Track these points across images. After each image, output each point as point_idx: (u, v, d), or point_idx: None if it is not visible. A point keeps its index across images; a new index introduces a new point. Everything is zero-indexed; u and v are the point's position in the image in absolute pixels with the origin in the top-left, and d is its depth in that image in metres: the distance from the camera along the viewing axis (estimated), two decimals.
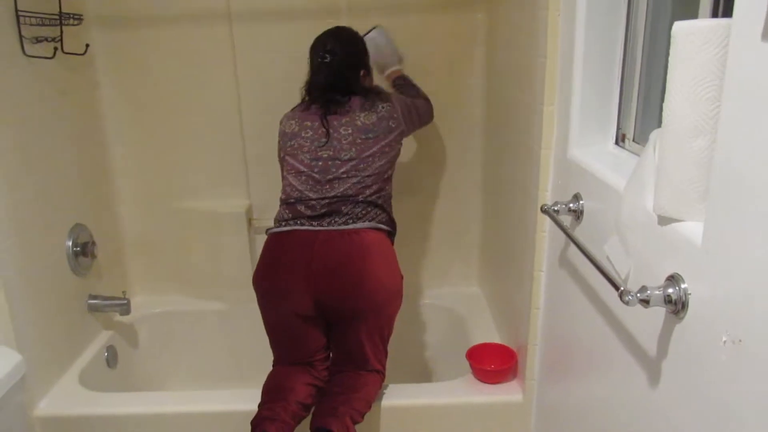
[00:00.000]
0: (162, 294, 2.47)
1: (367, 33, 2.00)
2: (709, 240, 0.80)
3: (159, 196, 2.35)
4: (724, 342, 0.77)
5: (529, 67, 1.59)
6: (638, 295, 0.89)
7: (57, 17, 1.86)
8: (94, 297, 2.10)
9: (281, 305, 1.70)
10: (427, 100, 2.03)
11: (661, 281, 0.91)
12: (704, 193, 0.84)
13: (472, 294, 2.48)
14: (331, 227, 1.69)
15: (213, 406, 1.82)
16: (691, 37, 0.79)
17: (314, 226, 1.69)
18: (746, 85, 0.69)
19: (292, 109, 1.87)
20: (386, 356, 1.78)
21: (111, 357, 2.13)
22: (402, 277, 1.76)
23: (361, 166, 1.73)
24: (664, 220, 0.92)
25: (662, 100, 0.86)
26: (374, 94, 1.82)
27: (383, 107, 1.78)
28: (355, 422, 1.63)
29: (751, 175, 0.69)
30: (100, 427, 1.81)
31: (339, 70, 1.80)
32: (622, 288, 0.92)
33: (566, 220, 1.37)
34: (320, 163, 1.73)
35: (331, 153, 1.73)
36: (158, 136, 2.29)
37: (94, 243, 2.07)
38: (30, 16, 1.75)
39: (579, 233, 1.33)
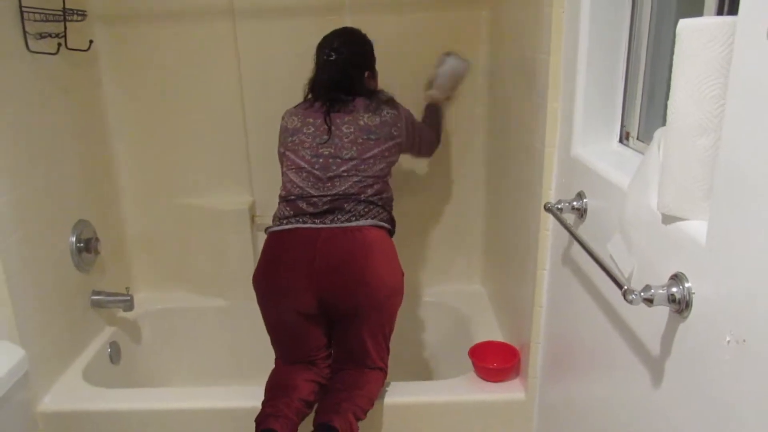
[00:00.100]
0: (165, 290, 2.48)
1: (456, 56, 2.03)
2: (714, 239, 0.80)
3: (162, 193, 2.36)
4: (728, 342, 0.76)
5: (532, 64, 1.58)
6: (642, 294, 0.88)
7: (61, 13, 1.86)
8: (98, 293, 2.10)
9: (283, 304, 1.70)
10: (437, 140, 2.05)
11: (665, 280, 0.91)
12: (709, 191, 0.83)
13: (475, 292, 2.48)
14: (334, 224, 1.68)
15: (215, 402, 1.83)
16: (697, 34, 0.78)
17: (317, 223, 1.69)
18: (751, 83, 0.69)
19: (295, 106, 1.86)
20: (388, 354, 1.78)
21: (114, 353, 2.13)
22: (403, 274, 1.76)
23: (362, 166, 1.73)
24: (668, 219, 0.91)
25: (666, 98, 0.86)
26: (380, 98, 1.82)
27: (388, 113, 1.78)
28: (358, 419, 1.63)
29: (756, 174, 0.69)
30: (103, 423, 1.81)
31: (344, 68, 1.80)
32: (625, 287, 0.91)
33: (569, 218, 1.37)
34: (321, 160, 1.73)
35: (332, 150, 1.73)
36: (161, 133, 2.29)
37: (97, 239, 2.08)
38: (34, 12, 1.75)
39: (582, 231, 1.32)
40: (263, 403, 1.66)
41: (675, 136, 0.85)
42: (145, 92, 2.24)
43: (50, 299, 1.86)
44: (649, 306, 0.89)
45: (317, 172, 1.73)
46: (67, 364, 1.95)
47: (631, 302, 0.89)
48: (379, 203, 1.75)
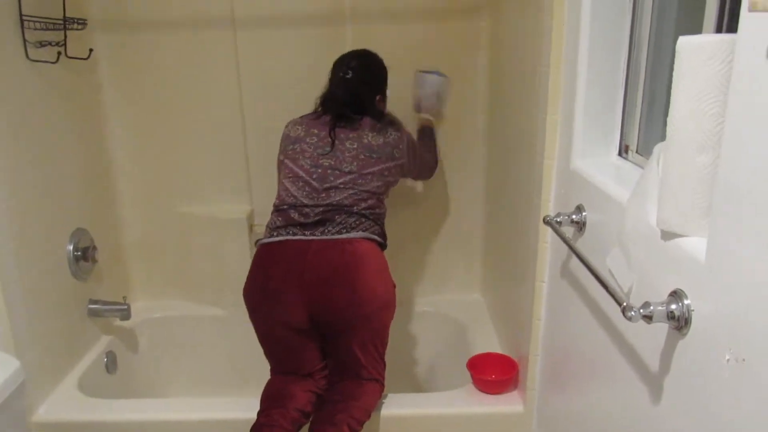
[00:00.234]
0: (162, 299, 2.46)
1: (430, 72, 2.06)
2: (713, 256, 0.79)
3: (161, 201, 2.35)
4: (728, 360, 0.76)
5: (532, 75, 1.58)
6: (641, 310, 0.88)
7: (61, 22, 1.86)
8: (95, 302, 2.09)
9: (273, 317, 1.69)
10: (436, 162, 2.09)
11: (664, 296, 0.90)
12: (708, 208, 0.83)
13: (474, 301, 2.47)
14: (324, 236, 1.68)
15: (213, 413, 1.81)
16: (696, 52, 0.78)
17: (307, 235, 1.68)
18: (750, 102, 0.68)
19: (301, 116, 1.87)
20: (384, 366, 1.77)
21: (110, 362, 2.12)
22: (394, 286, 1.75)
23: (360, 180, 1.73)
24: (667, 235, 0.91)
25: (666, 112, 0.85)
26: (387, 121, 1.85)
27: (392, 134, 1.81)
28: (354, 431, 1.62)
29: (755, 192, 0.69)
30: None
31: (358, 88, 1.84)
32: (624, 303, 0.91)
33: (569, 231, 1.36)
34: (319, 170, 1.73)
35: (332, 162, 1.73)
36: (161, 141, 2.29)
37: (95, 247, 2.07)
38: (34, 21, 1.75)
39: (581, 245, 1.32)
40: (258, 414, 1.66)
41: (674, 153, 0.84)
42: (144, 100, 2.24)
43: (46, 308, 1.85)
44: (648, 323, 0.88)
45: (314, 182, 1.73)
46: (62, 374, 1.94)
47: (630, 319, 0.89)
48: (371, 217, 1.75)
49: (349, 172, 1.73)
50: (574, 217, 1.32)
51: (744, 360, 0.73)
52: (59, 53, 1.87)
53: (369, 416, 1.70)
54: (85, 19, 2.01)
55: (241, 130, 2.26)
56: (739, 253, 0.73)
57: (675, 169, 0.85)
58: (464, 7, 2.13)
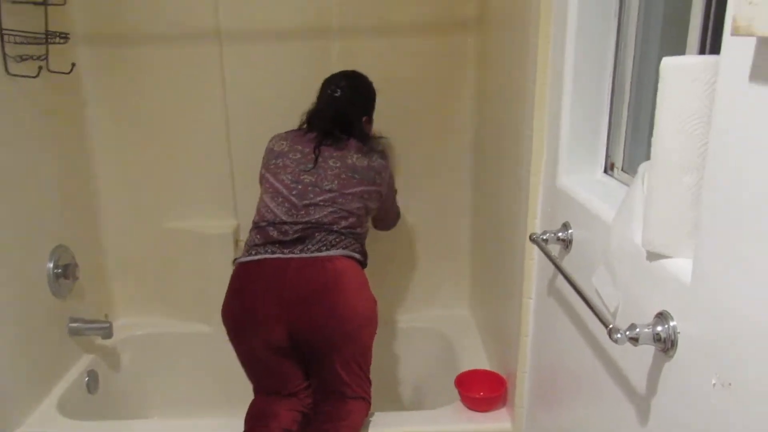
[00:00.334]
0: (146, 316, 2.43)
1: None
2: (698, 278, 0.78)
3: (145, 216, 2.32)
4: (714, 385, 0.75)
5: (518, 92, 1.58)
6: (627, 333, 0.87)
7: (43, 36, 1.84)
8: (75, 320, 2.06)
9: (253, 338, 1.66)
10: (396, 220, 2.14)
11: (650, 318, 0.89)
12: (693, 230, 0.82)
13: (462, 317, 2.46)
14: (303, 254, 1.66)
15: None
16: (680, 73, 0.78)
17: (285, 253, 1.66)
18: (734, 124, 0.68)
19: (286, 132, 1.86)
20: (370, 384, 1.74)
21: (92, 382, 2.08)
22: (376, 303, 1.73)
23: (341, 200, 1.72)
24: (652, 256, 0.90)
25: (650, 130, 0.85)
26: (373, 146, 1.85)
27: (377, 160, 1.81)
28: None
29: (740, 214, 0.68)
30: None
31: (346, 107, 1.83)
32: (610, 326, 0.90)
33: (555, 248, 1.35)
34: (300, 187, 1.72)
35: (313, 179, 1.72)
36: (145, 156, 2.26)
37: (76, 265, 2.04)
38: (15, 35, 1.73)
39: (568, 262, 1.31)
40: None
41: (659, 174, 0.84)
42: (129, 115, 2.22)
43: (25, 327, 1.81)
44: (635, 345, 0.87)
45: (293, 198, 1.71)
46: (42, 394, 1.90)
47: (616, 342, 0.87)
48: (351, 235, 1.73)
49: (330, 190, 1.71)
50: (560, 234, 1.31)
51: (730, 384, 0.72)
52: (40, 68, 1.85)
53: None
54: (68, 33, 1.99)
55: (226, 145, 2.25)
56: (724, 276, 0.72)
57: (660, 190, 0.84)
58: (451, 23, 2.14)
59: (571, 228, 1.29)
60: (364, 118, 1.90)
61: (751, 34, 0.59)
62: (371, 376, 1.77)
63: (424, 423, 1.82)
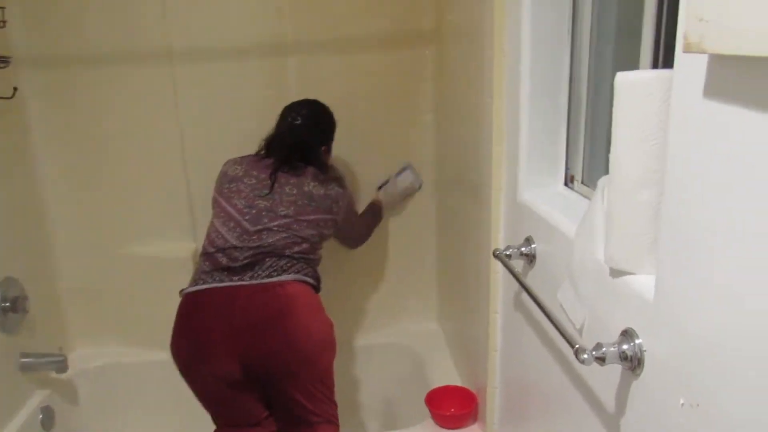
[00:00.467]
0: (103, 346, 2.33)
1: (416, 174, 2.21)
2: (661, 295, 0.77)
3: (99, 243, 2.24)
4: (682, 405, 0.73)
5: (476, 106, 1.57)
6: (594, 353, 0.85)
7: None
8: (27, 355, 1.96)
9: (203, 372, 1.60)
10: (367, 236, 2.13)
11: (616, 335, 0.88)
12: (654, 245, 0.81)
13: (431, 331, 2.43)
14: (253, 281, 1.60)
15: None
16: (634, 88, 0.77)
17: (234, 281, 1.61)
18: (689, 140, 0.67)
19: (242, 156, 1.82)
20: (335, 406, 1.70)
21: (46, 419, 1.98)
22: (332, 325, 1.68)
23: (295, 226, 1.68)
24: (615, 272, 0.89)
25: (608, 142, 0.84)
26: (330, 175, 1.84)
27: (334, 188, 1.80)
28: None
29: (698, 229, 0.67)
30: None
31: (306, 136, 1.81)
32: (577, 346, 0.88)
33: (519, 263, 1.34)
34: (253, 211, 1.67)
35: (268, 204, 1.68)
36: (97, 181, 2.18)
37: (26, 297, 1.94)
38: None
39: (533, 277, 1.30)
40: None
41: (617, 189, 0.83)
42: (78, 139, 2.14)
43: None
44: (602, 365, 0.85)
45: (246, 224, 1.66)
46: None
47: (583, 362, 0.86)
48: (303, 260, 1.69)
49: (285, 216, 1.67)
50: (523, 249, 1.30)
51: (698, 405, 0.70)
52: None
53: None
54: (9, 57, 1.90)
55: (182, 166, 2.18)
56: (686, 293, 0.71)
57: (619, 206, 0.83)
58: (408, 37, 2.12)
59: (534, 243, 1.28)
60: (323, 148, 1.89)
61: (702, 51, 0.58)
62: (337, 398, 1.73)
63: None
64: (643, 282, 0.83)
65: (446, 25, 1.96)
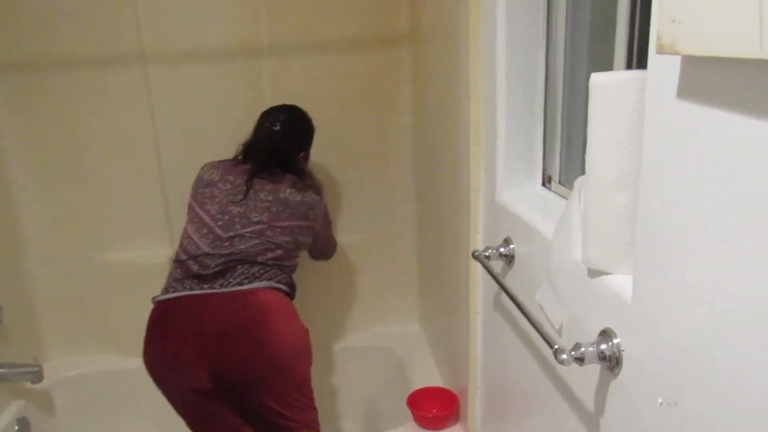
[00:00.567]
0: (80, 355, 2.29)
1: None
2: (639, 295, 0.78)
3: (73, 250, 2.20)
4: (660, 403, 0.74)
5: (453, 107, 1.57)
6: (572, 353, 0.85)
7: None
8: (1, 365, 1.91)
9: (175, 382, 1.58)
10: (334, 248, 2.12)
11: (594, 335, 0.88)
12: (631, 245, 0.82)
13: (413, 332, 2.43)
14: (224, 289, 1.58)
15: None
16: (608, 89, 0.77)
17: (205, 289, 1.58)
18: (663, 141, 0.67)
19: (219, 161, 1.80)
20: (315, 412, 1.68)
21: (22, 430, 1.94)
22: (307, 332, 1.66)
23: (269, 232, 1.66)
24: (593, 273, 0.89)
25: (584, 143, 0.84)
26: (308, 182, 1.82)
27: (311, 196, 1.78)
28: None
29: (673, 229, 0.67)
30: None
31: (284, 143, 1.79)
32: (556, 346, 0.88)
33: (498, 264, 1.34)
34: (226, 218, 1.65)
35: (241, 210, 1.66)
36: (71, 187, 2.15)
37: None
38: None
39: (511, 278, 1.30)
40: None
41: (594, 190, 0.83)
42: (50, 145, 2.09)
43: None
44: (581, 365, 0.86)
45: (218, 230, 1.64)
46: None
47: (562, 363, 0.86)
48: (276, 267, 1.67)
49: (258, 222, 1.65)
50: (502, 250, 1.30)
51: (676, 404, 0.71)
52: None
53: None
54: None
55: (157, 170, 2.15)
56: (663, 292, 0.71)
57: (595, 207, 0.83)
58: (384, 38, 2.12)
59: (512, 243, 1.28)
60: (301, 154, 1.87)
61: (675, 53, 0.59)
62: (318, 403, 1.71)
63: None
64: (621, 282, 0.84)
65: (422, 26, 1.96)
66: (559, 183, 1.29)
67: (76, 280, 2.23)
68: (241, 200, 1.67)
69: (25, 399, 2.04)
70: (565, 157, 1.28)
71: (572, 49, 1.21)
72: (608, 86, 0.77)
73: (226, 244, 1.62)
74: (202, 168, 1.80)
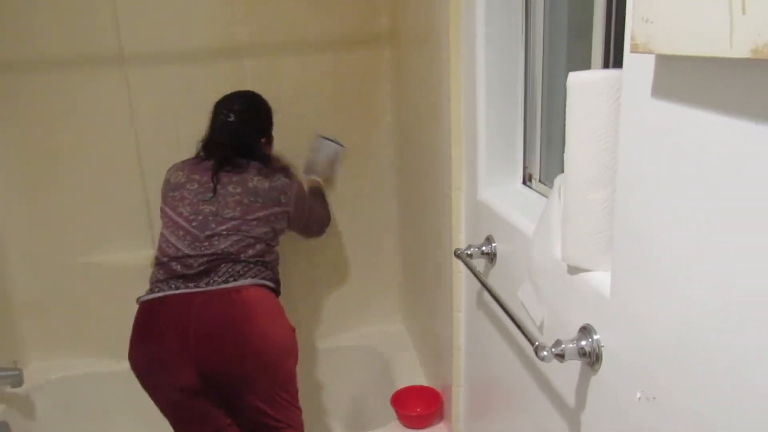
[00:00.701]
0: (61, 358, 2.27)
1: (330, 140, 2.04)
2: (617, 291, 0.79)
3: (53, 253, 2.18)
4: (639, 398, 0.75)
5: (434, 107, 1.58)
6: (553, 350, 0.86)
7: None
8: None
9: (162, 381, 1.57)
10: (328, 218, 2.04)
11: (575, 331, 0.89)
12: (609, 242, 0.83)
13: (396, 331, 2.44)
14: (209, 287, 1.57)
15: None
16: (585, 88, 0.78)
17: (190, 287, 1.58)
18: (639, 139, 0.68)
19: (183, 161, 1.78)
20: (300, 411, 1.68)
21: None
22: (293, 330, 1.66)
23: (244, 227, 1.65)
24: (573, 270, 0.90)
25: (564, 141, 0.85)
26: (274, 166, 1.77)
27: (280, 179, 1.73)
28: None
29: (650, 227, 0.69)
30: None
31: (241, 132, 1.75)
32: (537, 343, 0.89)
33: (481, 263, 1.35)
34: (200, 218, 1.64)
35: (213, 209, 1.64)
36: (50, 189, 2.12)
37: None
38: None
39: (494, 276, 1.31)
40: None
41: (572, 188, 0.84)
42: (28, 146, 2.07)
43: None
44: (561, 361, 0.87)
45: (194, 231, 1.63)
46: None
47: (543, 359, 0.87)
48: (260, 263, 1.66)
49: (232, 218, 1.64)
50: (484, 248, 1.30)
51: (654, 398, 0.72)
52: None
53: None
54: None
55: (138, 172, 2.14)
56: (641, 288, 0.72)
57: (574, 205, 0.84)
58: (365, 38, 2.12)
59: (494, 241, 1.29)
60: (262, 140, 1.83)
61: (649, 52, 0.60)
62: (302, 403, 1.71)
63: None
64: (600, 279, 0.85)
65: (402, 26, 1.97)
66: (540, 181, 1.30)
67: (56, 283, 2.20)
68: (212, 198, 1.65)
69: (6, 403, 2.01)
70: (546, 155, 1.29)
71: (551, 49, 1.22)
72: (584, 85, 0.78)
73: (206, 243, 1.61)
74: (168, 171, 1.78)
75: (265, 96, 1.91)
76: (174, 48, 2.03)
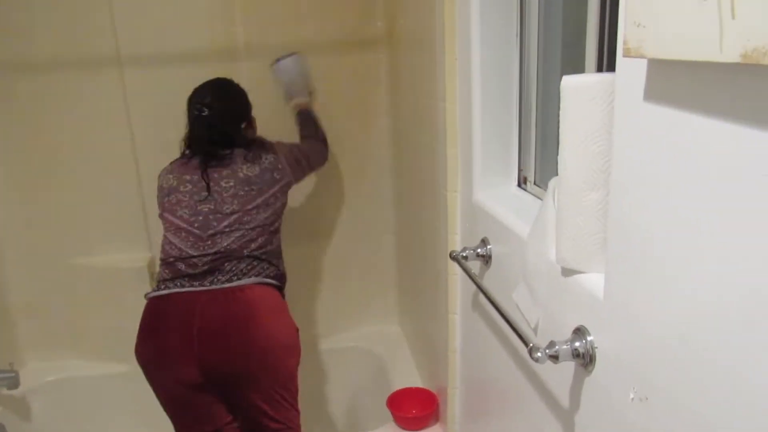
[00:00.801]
0: (57, 360, 2.27)
1: (284, 58, 1.96)
2: (611, 293, 0.79)
3: (50, 255, 2.18)
4: (632, 399, 0.75)
5: (430, 109, 1.59)
6: (547, 351, 0.87)
7: None
8: None
9: (165, 376, 1.57)
10: (323, 141, 1.98)
11: (569, 333, 0.90)
12: (603, 245, 0.83)
13: (393, 333, 2.44)
14: (214, 286, 1.58)
15: None
16: (579, 91, 0.79)
17: (195, 286, 1.59)
18: (632, 142, 0.69)
19: (171, 163, 1.76)
20: (298, 413, 1.68)
21: None
22: (297, 329, 1.66)
23: (245, 218, 1.65)
24: (567, 272, 0.91)
25: (558, 144, 0.86)
26: (258, 146, 1.75)
27: (267, 158, 1.72)
28: None
29: (644, 229, 0.69)
30: None
31: (218, 123, 1.71)
32: (531, 344, 0.90)
33: (476, 265, 1.35)
34: (200, 218, 1.64)
35: (212, 207, 1.65)
36: (46, 191, 2.12)
37: None
38: None
39: (489, 278, 1.31)
40: None
41: (566, 191, 0.84)
42: (25, 148, 2.07)
43: None
44: (555, 363, 0.87)
45: (197, 231, 1.63)
46: None
47: (537, 360, 0.87)
48: (264, 257, 1.66)
49: (231, 213, 1.64)
50: (479, 250, 1.31)
51: (647, 399, 0.72)
52: None
53: None
54: None
55: (135, 174, 2.14)
56: (634, 290, 0.73)
57: (568, 208, 0.85)
58: (361, 41, 2.12)
59: (489, 244, 1.30)
60: (243, 125, 1.79)
61: (641, 56, 0.60)
62: (299, 404, 1.71)
63: None
64: (594, 281, 0.85)
65: (398, 29, 1.97)
66: (535, 184, 1.31)
67: (53, 285, 2.20)
68: (207, 196, 1.65)
69: (2, 405, 2.01)
70: (540, 158, 1.30)
71: (545, 53, 1.23)
72: (578, 89, 0.79)
73: (209, 243, 1.62)
74: (159, 177, 1.76)
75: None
76: (170, 49, 2.03)
